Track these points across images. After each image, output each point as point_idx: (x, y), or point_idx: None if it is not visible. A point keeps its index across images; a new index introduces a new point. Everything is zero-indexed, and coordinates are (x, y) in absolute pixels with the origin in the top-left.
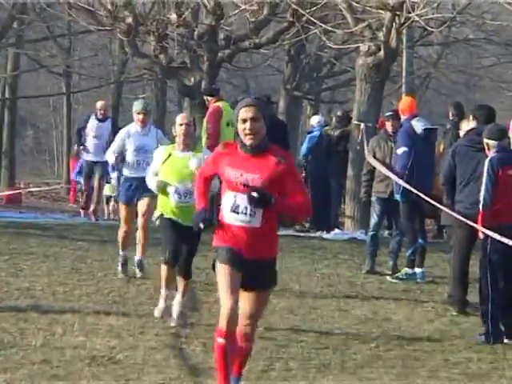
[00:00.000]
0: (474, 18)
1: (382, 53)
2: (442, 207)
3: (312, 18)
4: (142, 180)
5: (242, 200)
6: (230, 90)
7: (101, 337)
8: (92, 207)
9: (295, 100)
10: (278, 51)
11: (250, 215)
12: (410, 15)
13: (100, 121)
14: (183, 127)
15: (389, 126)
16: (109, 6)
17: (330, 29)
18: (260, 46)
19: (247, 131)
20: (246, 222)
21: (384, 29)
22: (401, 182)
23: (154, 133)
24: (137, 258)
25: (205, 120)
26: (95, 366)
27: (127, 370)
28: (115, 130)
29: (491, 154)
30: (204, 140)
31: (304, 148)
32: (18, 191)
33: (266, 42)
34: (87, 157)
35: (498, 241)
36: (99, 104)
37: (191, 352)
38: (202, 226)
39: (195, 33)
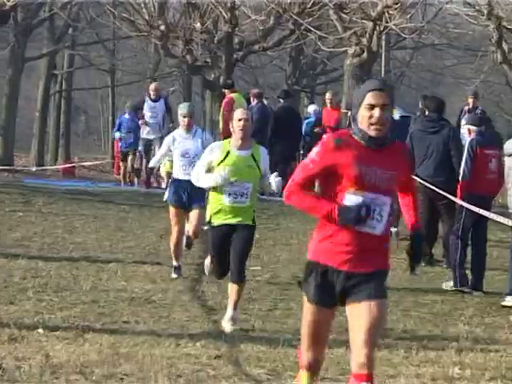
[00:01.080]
0: (439, 27)
1: (365, 55)
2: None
3: (309, 27)
4: (189, 184)
5: (375, 201)
6: (242, 85)
7: (138, 282)
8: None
9: (295, 92)
10: (281, 53)
11: (378, 220)
12: (388, 24)
13: (154, 101)
14: (242, 123)
15: None
16: (146, 16)
17: (324, 35)
18: (267, 48)
19: (375, 120)
20: (372, 229)
21: (367, 35)
22: None
23: (200, 135)
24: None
25: (222, 108)
26: (134, 305)
27: (160, 309)
28: (168, 108)
29: (471, 136)
30: (221, 123)
31: (303, 131)
32: (72, 165)
33: (272, 46)
34: (145, 135)
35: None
36: (152, 86)
37: (210, 294)
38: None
39: (215, 38)
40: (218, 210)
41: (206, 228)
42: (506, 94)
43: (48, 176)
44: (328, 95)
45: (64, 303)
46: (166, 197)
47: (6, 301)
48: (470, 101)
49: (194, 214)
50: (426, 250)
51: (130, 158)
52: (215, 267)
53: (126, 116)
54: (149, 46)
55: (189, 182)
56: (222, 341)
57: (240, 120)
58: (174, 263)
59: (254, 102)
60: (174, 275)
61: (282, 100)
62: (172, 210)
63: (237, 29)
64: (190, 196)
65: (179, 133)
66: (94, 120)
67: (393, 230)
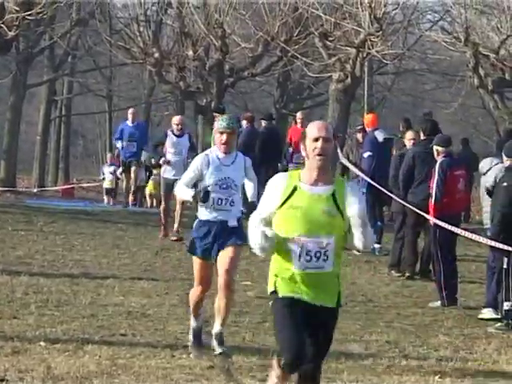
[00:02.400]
0: (419, 53)
1: (349, 80)
2: (396, 198)
3: (296, 54)
4: (225, 225)
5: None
6: (233, 109)
7: (135, 296)
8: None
9: (283, 116)
10: (269, 79)
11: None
12: (370, 51)
13: (178, 136)
14: (320, 144)
15: (359, 136)
16: (141, 45)
17: (310, 62)
18: (256, 74)
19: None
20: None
21: (350, 61)
22: (366, 177)
23: (242, 161)
24: (216, 329)
25: (213, 131)
26: (131, 319)
27: (155, 322)
28: (192, 145)
29: (440, 158)
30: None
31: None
32: (71, 186)
33: (261, 72)
34: (167, 174)
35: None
36: (176, 119)
37: (204, 307)
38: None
39: (207, 65)
40: (283, 282)
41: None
42: (482, 117)
43: (48, 197)
44: (299, 115)
45: (64, 317)
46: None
47: (10, 315)
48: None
49: (226, 254)
50: (411, 263)
51: (132, 169)
52: (287, 356)
53: (129, 123)
54: (144, 72)
55: (225, 222)
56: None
57: (317, 140)
58: (193, 323)
59: (245, 125)
60: (190, 341)
61: (264, 122)
62: (197, 263)
63: (227, 56)
64: (226, 237)
65: (216, 154)
66: (92, 143)
67: (376, 246)
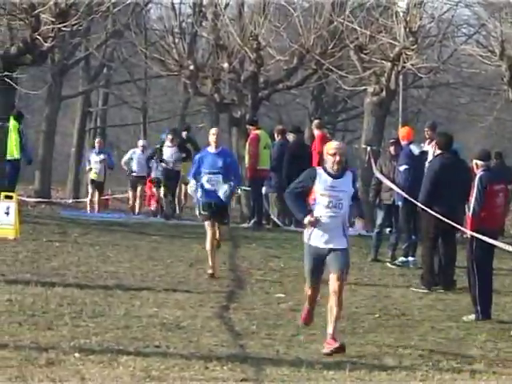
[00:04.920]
0: (454, 67)
1: (383, 93)
2: (432, 213)
3: (331, 66)
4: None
5: None
6: (267, 122)
7: (169, 308)
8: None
9: None
10: (304, 91)
11: None
12: (405, 64)
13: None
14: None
15: (392, 149)
16: (176, 57)
17: (345, 75)
18: (291, 87)
19: None
20: None
21: (385, 75)
22: (400, 191)
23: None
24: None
25: (247, 144)
26: (165, 330)
27: (189, 334)
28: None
29: (479, 172)
30: (247, 158)
31: None
32: (106, 197)
33: (295, 85)
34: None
35: (482, 240)
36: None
37: (238, 320)
38: None
39: (242, 77)
40: None
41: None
42: None
43: (83, 208)
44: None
45: (99, 329)
46: None
47: (44, 327)
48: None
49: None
50: (447, 278)
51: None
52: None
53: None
54: (178, 84)
55: None
56: (248, 364)
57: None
58: None
59: (277, 137)
60: None
61: (292, 135)
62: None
63: (262, 68)
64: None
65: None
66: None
67: (410, 259)
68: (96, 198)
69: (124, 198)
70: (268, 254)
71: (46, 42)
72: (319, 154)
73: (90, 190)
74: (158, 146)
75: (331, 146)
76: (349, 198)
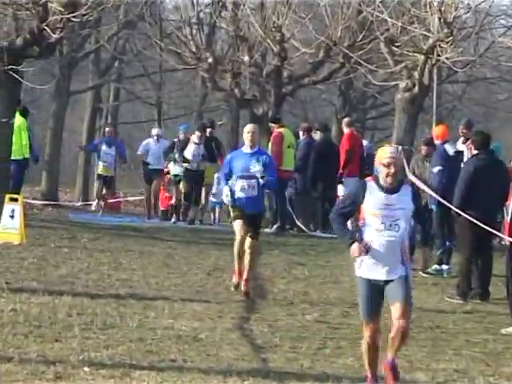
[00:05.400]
0: (491, 60)
1: (416, 89)
2: (470, 218)
3: (359, 60)
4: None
5: None
6: (291, 119)
7: (186, 319)
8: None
9: None
10: (331, 87)
11: None
12: (440, 58)
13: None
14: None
15: (424, 149)
16: (193, 49)
17: (374, 69)
18: (317, 82)
19: None
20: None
21: (418, 69)
22: (435, 194)
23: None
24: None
25: (270, 143)
26: (181, 343)
27: (208, 347)
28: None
29: None
30: None
31: None
32: (117, 200)
33: (322, 79)
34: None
35: None
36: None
37: (259, 333)
38: None
39: (264, 71)
40: None
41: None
42: None
43: (93, 211)
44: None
45: (110, 341)
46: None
47: (52, 338)
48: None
49: None
50: (484, 288)
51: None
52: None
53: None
54: (196, 78)
55: None
56: (270, 379)
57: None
58: None
59: (302, 136)
60: None
61: (319, 133)
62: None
63: (286, 62)
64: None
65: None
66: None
67: (445, 267)
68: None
69: (137, 201)
70: (292, 261)
71: (54, 34)
72: (347, 153)
73: (97, 185)
74: (177, 139)
75: (385, 155)
76: (407, 218)
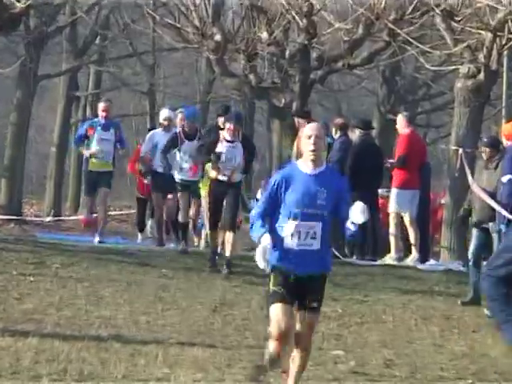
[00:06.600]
0: None
1: (481, 75)
2: None
3: (409, 38)
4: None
5: None
6: (320, 112)
7: (185, 369)
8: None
9: (389, 123)
10: (372, 72)
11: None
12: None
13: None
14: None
15: (487, 152)
16: (196, 23)
17: (428, 49)
18: (354, 66)
19: None
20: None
21: (484, 50)
22: (504, 211)
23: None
24: None
25: (294, 144)
26: None
27: None
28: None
29: None
30: None
31: None
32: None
33: (361, 63)
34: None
35: None
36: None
37: None
38: None
39: (286, 52)
40: None
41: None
42: None
43: (67, 229)
44: None
45: None
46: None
47: None
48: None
49: None
50: None
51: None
52: None
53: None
54: (200, 61)
55: None
56: None
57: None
58: None
59: (336, 134)
60: None
61: (360, 131)
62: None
63: (315, 40)
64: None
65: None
66: (127, 156)
67: None
68: (99, 205)
69: (123, 216)
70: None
71: (18, 2)
72: (403, 159)
73: (86, 189)
74: (181, 130)
75: None
76: None
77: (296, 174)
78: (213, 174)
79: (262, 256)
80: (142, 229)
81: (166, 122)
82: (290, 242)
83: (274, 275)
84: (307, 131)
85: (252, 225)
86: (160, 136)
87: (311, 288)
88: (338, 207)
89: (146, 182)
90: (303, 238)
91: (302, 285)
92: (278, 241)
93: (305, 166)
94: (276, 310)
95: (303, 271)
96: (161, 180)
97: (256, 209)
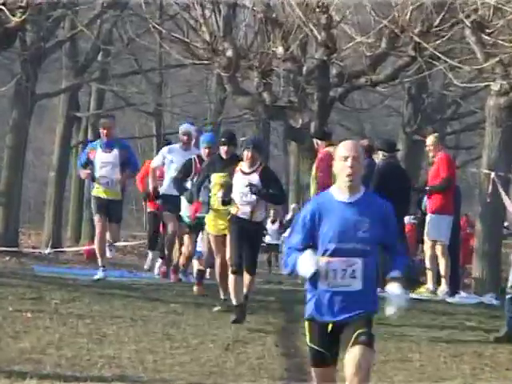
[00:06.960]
0: None
1: None
2: None
3: (436, 53)
4: None
5: None
6: (341, 133)
7: None
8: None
9: (416, 145)
10: (397, 90)
11: None
12: None
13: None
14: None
15: None
16: (206, 37)
17: (457, 64)
18: (377, 83)
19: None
20: None
21: None
22: None
23: None
24: None
25: (314, 167)
26: None
27: None
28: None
29: None
30: (313, 189)
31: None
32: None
33: (384, 80)
34: None
35: None
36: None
37: None
38: None
39: (304, 68)
40: None
41: None
42: None
43: (67, 261)
44: None
45: None
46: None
47: None
48: None
49: None
50: None
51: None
52: None
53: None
54: (210, 78)
55: None
56: None
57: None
58: None
59: None
60: None
61: (383, 154)
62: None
63: (335, 55)
64: None
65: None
66: (133, 182)
67: None
68: (107, 234)
69: (128, 247)
70: None
71: (13, 16)
72: (446, 182)
73: (96, 218)
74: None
75: None
76: None
77: (330, 203)
78: (233, 210)
79: (308, 262)
80: (153, 246)
81: (185, 138)
82: (324, 284)
83: (309, 326)
84: (342, 151)
85: (286, 261)
86: (177, 153)
87: (355, 325)
88: (385, 239)
89: (158, 202)
90: (340, 277)
91: (342, 331)
92: (310, 284)
93: (340, 192)
94: (317, 374)
95: (342, 319)
96: (172, 203)
97: (287, 244)
